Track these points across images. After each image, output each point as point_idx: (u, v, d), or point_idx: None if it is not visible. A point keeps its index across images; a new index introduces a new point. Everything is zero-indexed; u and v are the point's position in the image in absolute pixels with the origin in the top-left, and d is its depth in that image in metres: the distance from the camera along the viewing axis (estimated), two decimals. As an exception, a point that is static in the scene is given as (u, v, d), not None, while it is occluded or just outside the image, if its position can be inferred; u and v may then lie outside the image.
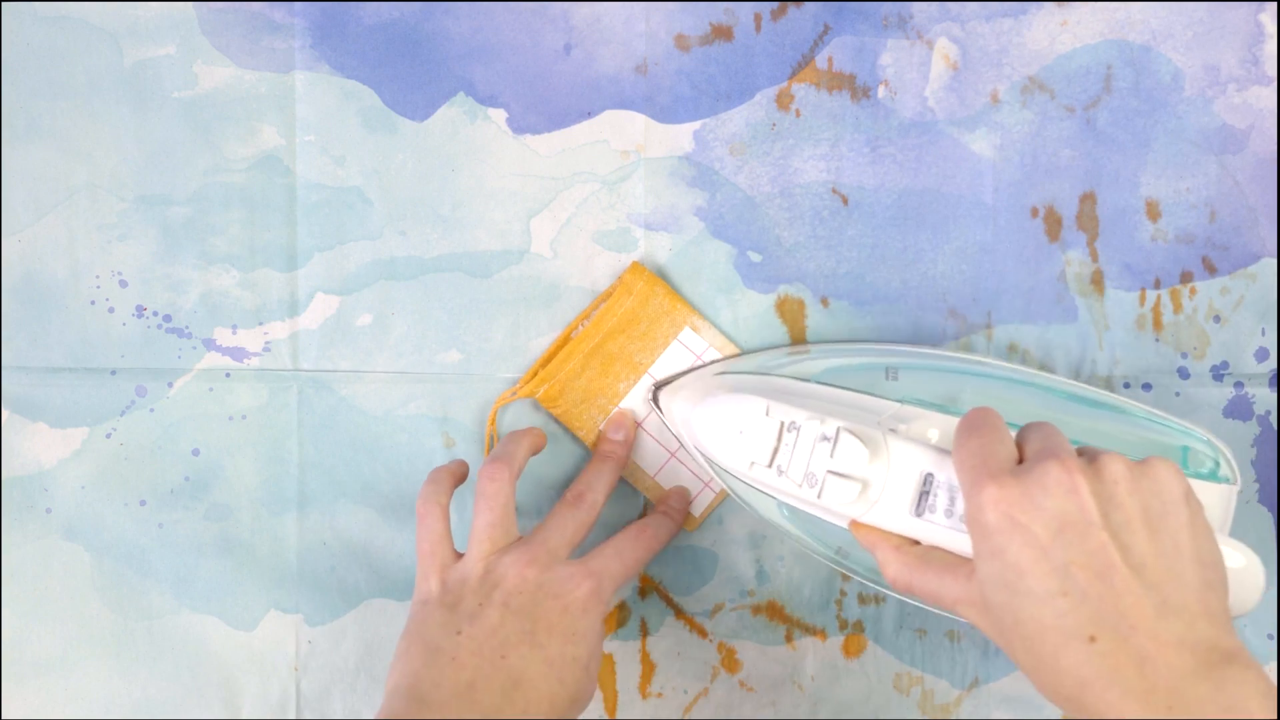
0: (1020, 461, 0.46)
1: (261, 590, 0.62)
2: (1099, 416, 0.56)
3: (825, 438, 0.52)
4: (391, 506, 0.62)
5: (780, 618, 0.62)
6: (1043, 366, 0.61)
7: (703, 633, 0.62)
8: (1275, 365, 0.61)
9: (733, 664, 0.62)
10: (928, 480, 0.50)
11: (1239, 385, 0.61)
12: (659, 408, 0.59)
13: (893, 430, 0.53)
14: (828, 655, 0.62)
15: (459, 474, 0.58)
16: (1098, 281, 0.61)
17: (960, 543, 0.49)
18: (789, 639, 0.62)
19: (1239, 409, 0.61)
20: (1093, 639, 0.42)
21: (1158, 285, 0.61)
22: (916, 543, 0.51)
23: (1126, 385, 0.61)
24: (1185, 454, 0.55)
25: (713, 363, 0.60)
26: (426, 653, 0.52)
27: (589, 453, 0.61)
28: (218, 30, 0.61)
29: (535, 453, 0.59)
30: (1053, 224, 0.61)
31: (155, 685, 0.62)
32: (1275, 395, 0.61)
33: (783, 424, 0.54)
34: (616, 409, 0.61)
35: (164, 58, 0.61)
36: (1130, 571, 0.43)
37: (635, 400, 0.61)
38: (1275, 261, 0.61)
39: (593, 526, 0.58)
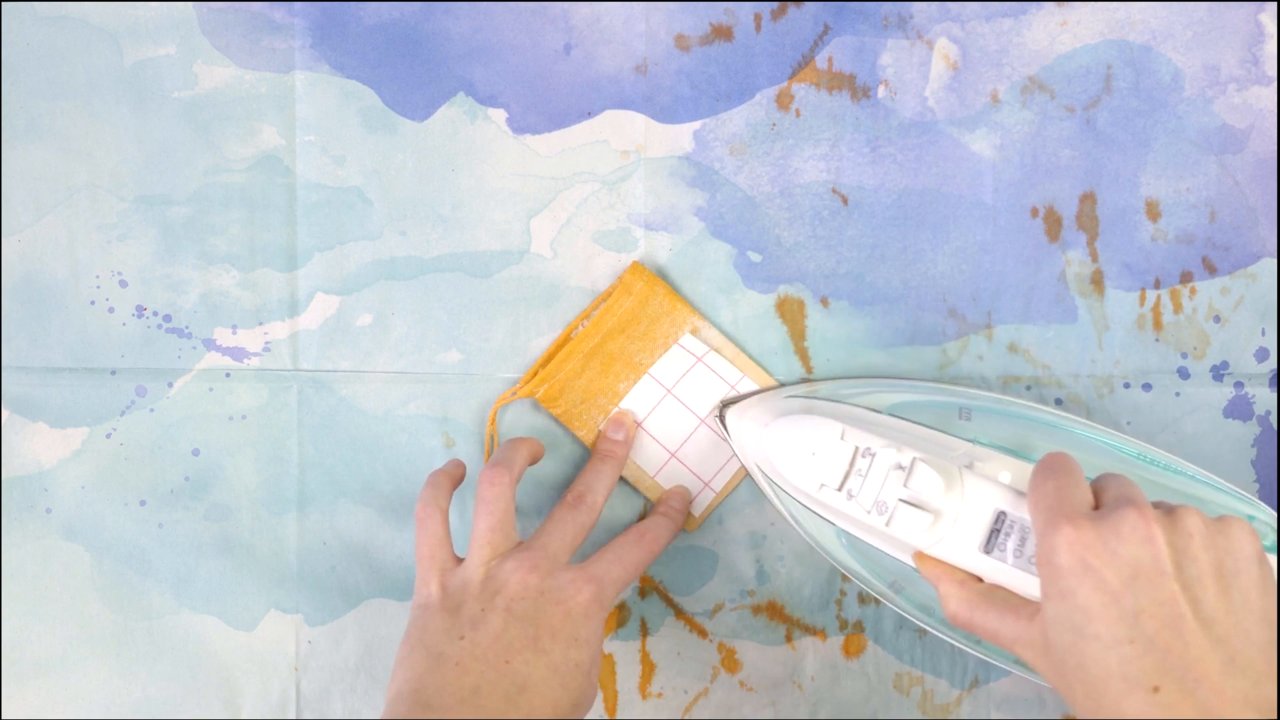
0: (1096, 508, 0.46)
1: (261, 590, 0.62)
2: (1168, 478, 0.56)
3: (900, 466, 0.52)
4: (391, 507, 0.62)
5: (780, 618, 0.62)
6: (1043, 366, 0.61)
7: (703, 633, 0.62)
8: (1275, 365, 0.61)
9: (733, 664, 0.62)
10: (1000, 518, 0.51)
11: (1239, 385, 0.61)
12: (725, 426, 0.59)
13: (968, 466, 0.53)
14: (828, 655, 0.62)
15: (457, 476, 0.58)
16: (1098, 281, 0.61)
17: (1026, 583, 0.50)
18: (789, 639, 0.62)
19: (1239, 409, 0.61)
20: (1157, 689, 0.42)
21: (1158, 285, 0.61)
22: (979, 580, 0.51)
23: (1126, 385, 0.61)
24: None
25: (783, 386, 0.60)
26: (430, 658, 0.52)
27: (589, 453, 0.61)
28: (218, 30, 0.61)
29: (534, 462, 0.59)
30: (1053, 224, 0.61)
31: (155, 685, 0.62)
32: (1275, 395, 0.61)
33: (857, 449, 0.54)
34: (617, 409, 0.61)
35: (164, 58, 0.61)
36: (1199, 625, 0.43)
37: (635, 400, 0.61)
38: (1275, 261, 0.61)
39: (593, 527, 0.58)
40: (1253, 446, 0.61)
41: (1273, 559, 0.54)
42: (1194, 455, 0.61)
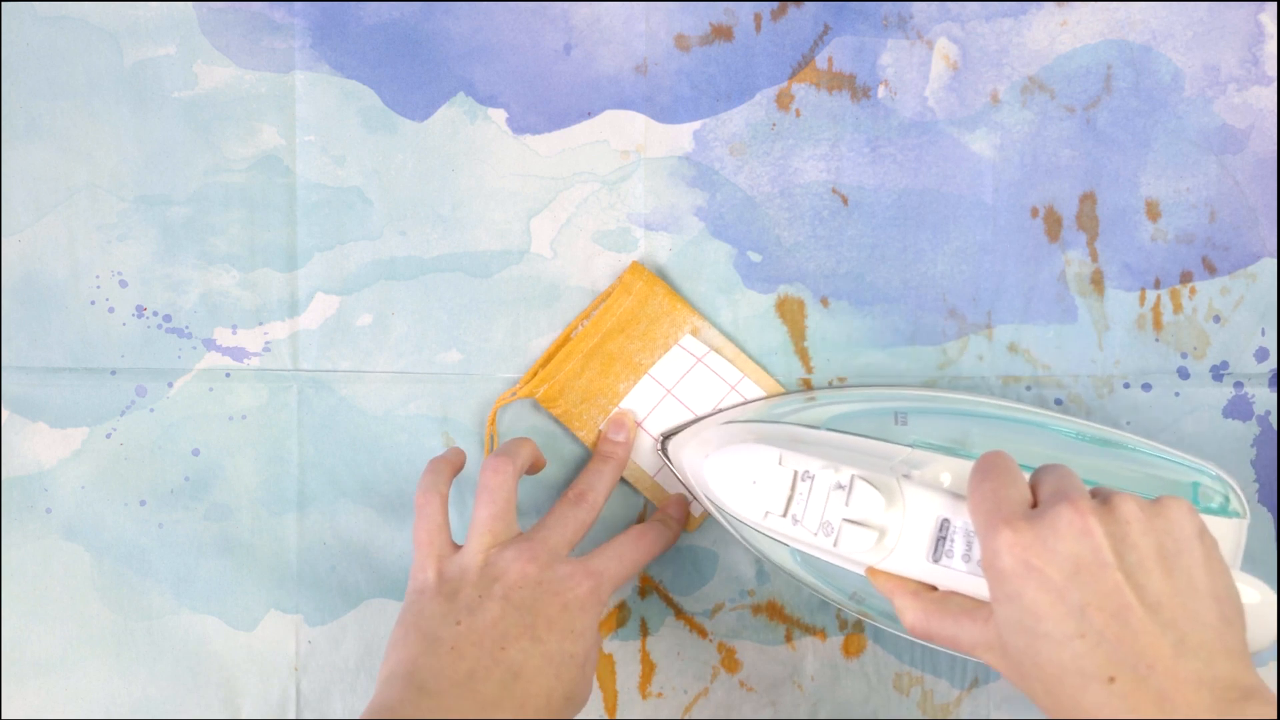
0: (1035, 505, 0.46)
1: (261, 590, 0.62)
2: (1108, 455, 0.56)
3: (840, 486, 0.52)
4: (391, 506, 0.62)
5: (780, 617, 0.62)
6: (1043, 366, 0.61)
7: (703, 633, 0.62)
8: (1275, 365, 0.61)
9: (733, 664, 0.62)
10: (943, 526, 0.51)
11: (1239, 385, 0.61)
12: (668, 459, 0.59)
13: (906, 476, 0.53)
14: (828, 655, 0.62)
15: (457, 464, 0.58)
16: (1098, 281, 0.61)
17: (978, 587, 0.50)
18: (789, 639, 0.62)
19: (1239, 409, 0.61)
20: (1112, 680, 0.42)
21: (1158, 285, 0.61)
22: (933, 588, 0.51)
23: (1126, 385, 0.61)
24: (1195, 489, 0.55)
25: (719, 411, 0.60)
26: (424, 641, 0.52)
27: (589, 453, 0.61)
28: (218, 30, 0.61)
29: (534, 470, 0.59)
30: (1053, 224, 0.61)
31: (155, 685, 0.62)
32: (1275, 395, 0.61)
33: (796, 473, 0.54)
34: (617, 409, 0.61)
35: (164, 58, 0.61)
36: (1146, 611, 0.43)
37: (635, 400, 0.61)
38: (1275, 261, 0.61)
39: (592, 525, 0.58)
40: (1252, 446, 0.61)
41: (1222, 521, 0.53)
42: (1193, 455, 0.61)
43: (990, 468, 0.48)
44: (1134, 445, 0.56)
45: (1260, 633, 0.49)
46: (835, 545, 0.52)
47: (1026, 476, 0.48)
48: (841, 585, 0.57)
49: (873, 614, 0.57)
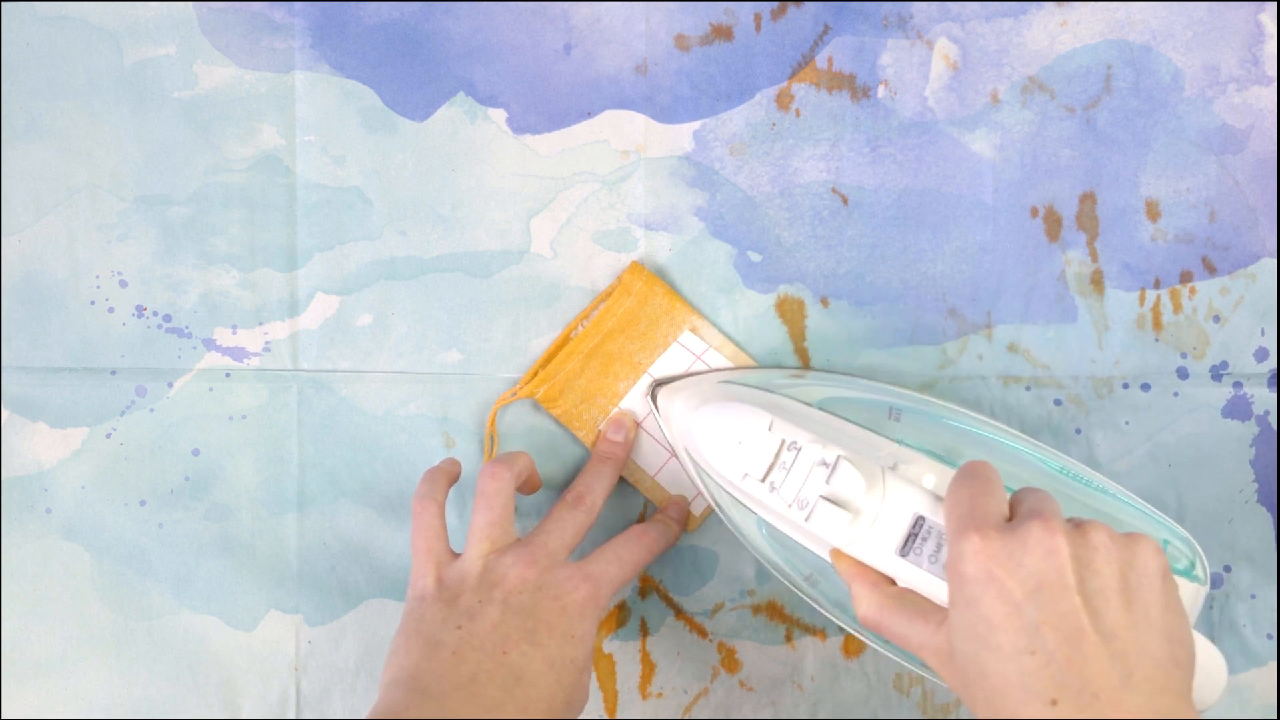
0: (1011, 520, 0.46)
1: (261, 590, 0.62)
2: (1088, 495, 0.56)
3: (824, 463, 0.52)
4: (391, 506, 0.62)
5: (780, 617, 0.62)
6: (1043, 366, 0.61)
7: (703, 633, 0.62)
8: (1275, 365, 0.61)
9: (733, 664, 0.62)
10: (918, 523, 0.51)
11: (1238, 385, 0.61)
12: (655, 406, 0.59)
13: (892, 468, 0.53)
14: (828, 655, 0.62)
15: (453, 473, 0.58)
16: (1097, 281, 0.61)
17: (939, 590, 0.50)
18: (789, 639, 0.62)
19: (1238, 409, 0.61)
20: (1054, 702, 0.42)
21: (1157, 285, 0.61)
22: (893, 583, 0.51)
23: (1126, 386, 0.61)
24: (1165, 546, 0.55)
25: (716, 370, 0.60)
26: (426, 646, 0.52)
27: (589, 453, 0.61)
28: (218, 30, 0.61)
29: (529, 491, 0.60)
30: (1053, 224, 0.61)
31: (155, 685, 0.62)
32: (1274, 395, 0.61)
33: (784, 442, 0.54)
34: (616, 409, 0.61)
35: (164, 58, 0.61)
36: (1099, 639, 0.43)
37: (635, 400, 0.61)
38: (1275, 261, 0.61)
39: (590, 527, 0.58)
40: (1251, 446, 0.61)
41: (1184, 582, 0.54)
42: (1192, 455, 0.61)
43: (973, 474, 0.48)
44: (1114, 492, 0.56)
45: (1205, 691, 0.50)
46: (807, 520, 0.52)
47: (1010, 495, 0.48)
48: (800, 564, 0.57)
49: (824, 600, 0.57)
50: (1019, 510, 0.47)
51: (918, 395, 0.59)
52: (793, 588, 0.57)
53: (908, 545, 0.50)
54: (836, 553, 0.52)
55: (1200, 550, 0.55)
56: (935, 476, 0.54)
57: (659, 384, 0.60)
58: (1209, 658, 0.50)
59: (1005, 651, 0.43)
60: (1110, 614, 0.44)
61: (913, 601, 0.50)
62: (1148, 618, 0.44)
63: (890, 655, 0.57)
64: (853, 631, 0.57)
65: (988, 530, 0.45)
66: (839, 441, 0.54)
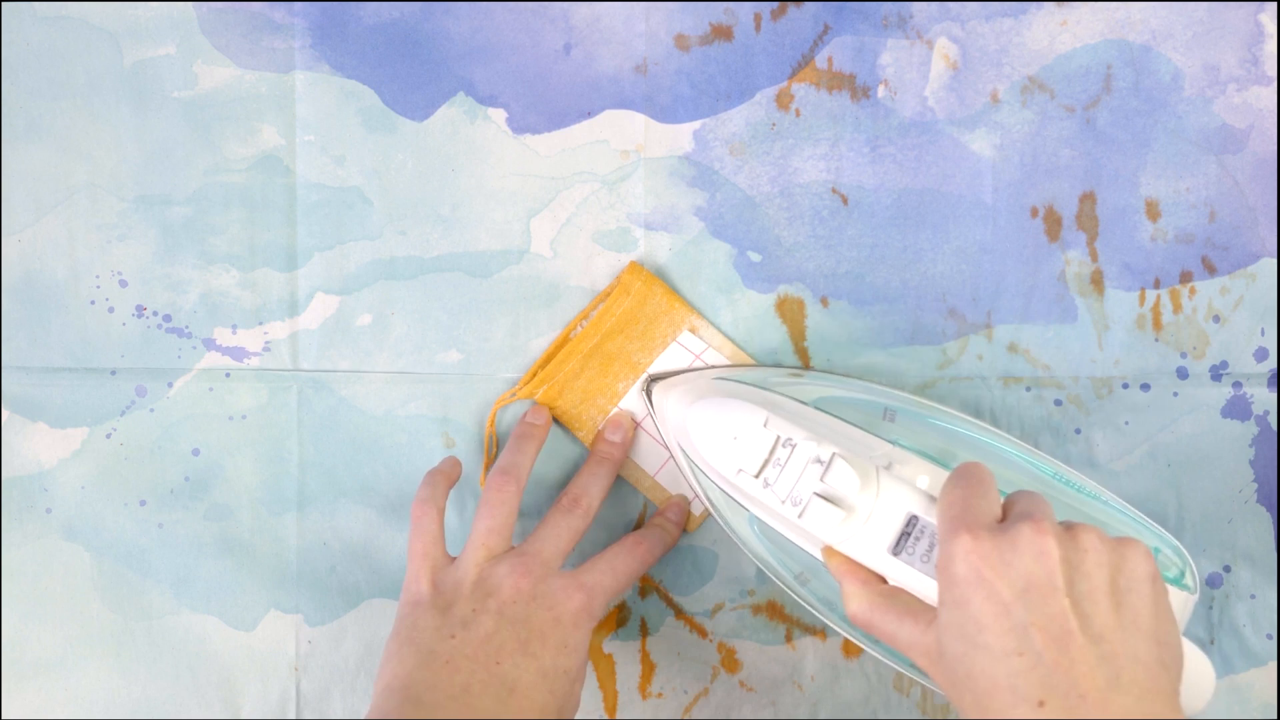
0: (1003, 522, 0.46)
1: (261, 590, 0.62)
2: (1080, 500, 0.56)
3: (819, 460, 0.53)
4: (391, 506, 0.62)
5: (780, 617, 0.62)
6: (1043, 366, 0.61)
7: (703, 633, 0.62)
8: (1274, 365, 0.61)
9: (733, 664, 0.62)
10: (911, 521, 0.51)
11: (1238, 385, 0.61)
12: (650, 402, 0.59)
13: (886, 467, 0.53)
14: (828, 655, 0.62)
15: (454, 476, 0.58)
16: (1097, 281, 0.61)
17: (929, 589, 0.50)
18: (789, 639, 0.62)
19: (1237, 409, 0.61)
20: (1042, 703, 0.42)
21: (1157, 285, 0.61)
22: (884, 581, 0.51)
23: (1125, 386, 0.61)
24: (1156, 554, 0.55)
25: (712, 367, 0.60)
26: (419, 655, 0.52)
27: (588, 452, 0.61)
28: (218, 30, 0.61)
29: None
30: (1053, 224, 0.61)
31: (155, 685, 0.62)
32: (1274, 395, 0.61)
33: (779, 438, 0.54)
34: (616, 409, 0.61)
35: (164, 58, 0.61)
36: (1087, 641, 0.43)
37: (634, 400, 0.61)
38: (1275, 261, 0.61)
39: (586, 530, 0.58)
40: (1250, 446, 0.61)
41: (1175, 591, 0.54)
42: (1192, 455, 0.61)
43: (967, 475, 0.48)
44: (1106, 498, 0.56)
45: (1192, 698, 0.50)
46: (800, 517, 0.52)
47: (1004, 498, 0.48)
48: (790, 562, 0.57)
49: (813, 599, 0.57)
50: (1011, 512, 0.47)
51: (913, 397, 0.59)
52: (784, 586, 0.57)
53: (900, 544, 0.50)
54: (828, 550, 0.53)
55: (1190, 559, 0.55)
56: (929, 477, 0.54)
57: (654, 379, 0.60)
58: (1197, 664, 0.50)
59: (994, 652, 0.43)
60: (1099, 616, 0.44)
61: (903, 600, 0.50)
62: (1136, 621, 0.44)
63: (878, 655, 0.57)
64: (841, 630, 0.57)
65: (979, 531, 0.45)
66: (834, 439, 0.54)
